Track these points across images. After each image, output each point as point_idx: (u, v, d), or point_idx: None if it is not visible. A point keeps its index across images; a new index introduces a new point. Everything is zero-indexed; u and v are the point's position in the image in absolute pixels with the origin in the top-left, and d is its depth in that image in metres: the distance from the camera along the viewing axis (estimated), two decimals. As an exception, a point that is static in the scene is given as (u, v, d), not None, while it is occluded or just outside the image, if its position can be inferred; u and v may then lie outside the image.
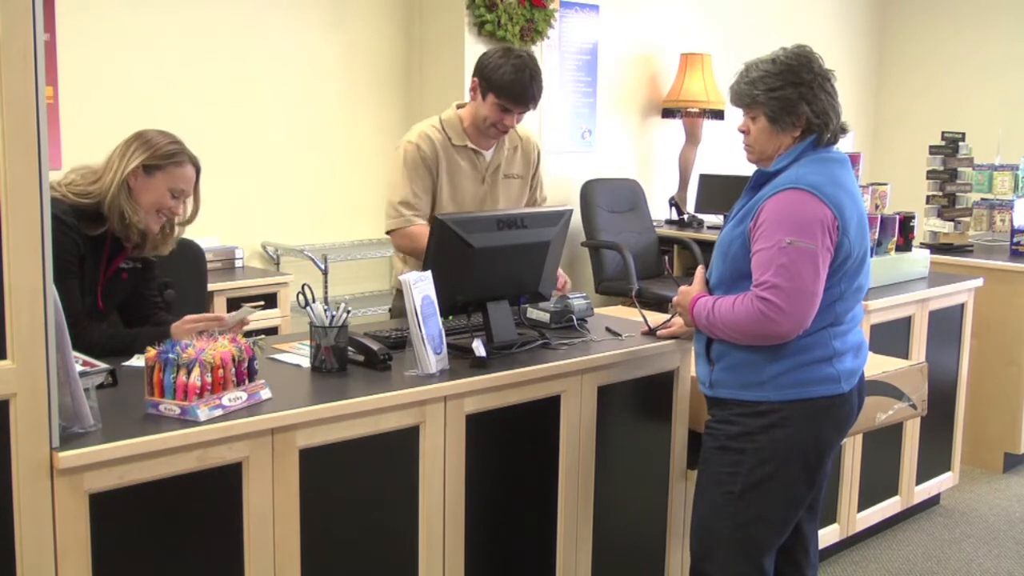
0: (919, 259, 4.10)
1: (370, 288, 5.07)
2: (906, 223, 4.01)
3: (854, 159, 3.83)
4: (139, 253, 2.66)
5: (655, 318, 2.90)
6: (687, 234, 5.77)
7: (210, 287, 3.72)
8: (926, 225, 4.98)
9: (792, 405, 2.36)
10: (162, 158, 2.54)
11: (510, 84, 2.99)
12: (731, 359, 2.40)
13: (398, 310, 3.26)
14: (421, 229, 3.05)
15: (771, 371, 2.35)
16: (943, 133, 5.03)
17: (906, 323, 3.82)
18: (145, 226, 2.55)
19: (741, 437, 2.39)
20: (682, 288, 2.52)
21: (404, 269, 3.18)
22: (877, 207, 3.93)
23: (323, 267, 4.51)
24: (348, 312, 2.41)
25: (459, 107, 3.19)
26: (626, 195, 5.79)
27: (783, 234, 2.25)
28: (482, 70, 3.05)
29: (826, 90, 2.37)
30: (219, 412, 2.04)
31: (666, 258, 5.83)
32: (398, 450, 2.32)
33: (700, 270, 2.52)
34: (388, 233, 3.16)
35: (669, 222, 6.07)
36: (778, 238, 2.25)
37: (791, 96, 2.34)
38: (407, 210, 3.07)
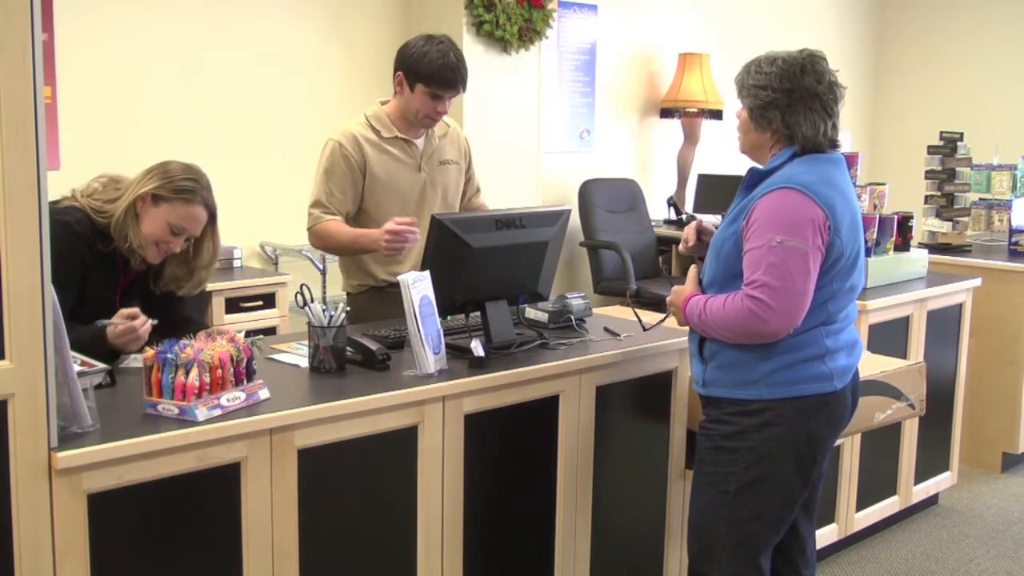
0: (917, 259, 4.10)
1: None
2: (904, 223, 4.01)
3: (852, 159, 3.84)
4: (158, 287, 2.64)
5: (651, 318, 2.90)
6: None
7: (208, 287, 3.70)
8: (924, 225, 4.98)
9: (784, 403, 2.36)
10: (172, 191, 2.49)
11: (439, 70, 2.98)
12: (723, 358, 2.41)
13: (353, 316, 3.09)
14: (330, 225, 3.06)
15: (763, 369, 2.35)
16: (941, 133, 5.03)
17: (904, 323, 3.82)
18: (144, 254, 2.51)
19: (735, 436, 2.39)
20: (675, 288, 2.52)
21: (346, 279, 3.20)
22: (875, 207, 3.93)
23: (321, 267, 4.51)
24: (346, 312, 2.41)
25: (383, 103, 3.18)
26: (624, 195, 5.80)
27: (774, 233, 2.25)
28: (405, 61, 3.04)
29: (809, 106, 2.34)
30: (217, 412, 2.04)
31: (660, 258, 5.83)
32: (396, 450, 2.32)
33: (693, 269, 2.53)
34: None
35: (667, 222, 6.07)
36: (768, 237, 2.26)
37: (767, 98, 2.35)
38: (316, 209, 3.08)
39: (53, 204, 2.53)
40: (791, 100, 2.34)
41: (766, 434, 2.36)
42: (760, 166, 2.44)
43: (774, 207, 2.28)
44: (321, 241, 3.12)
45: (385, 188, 3.10)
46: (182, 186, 2.50)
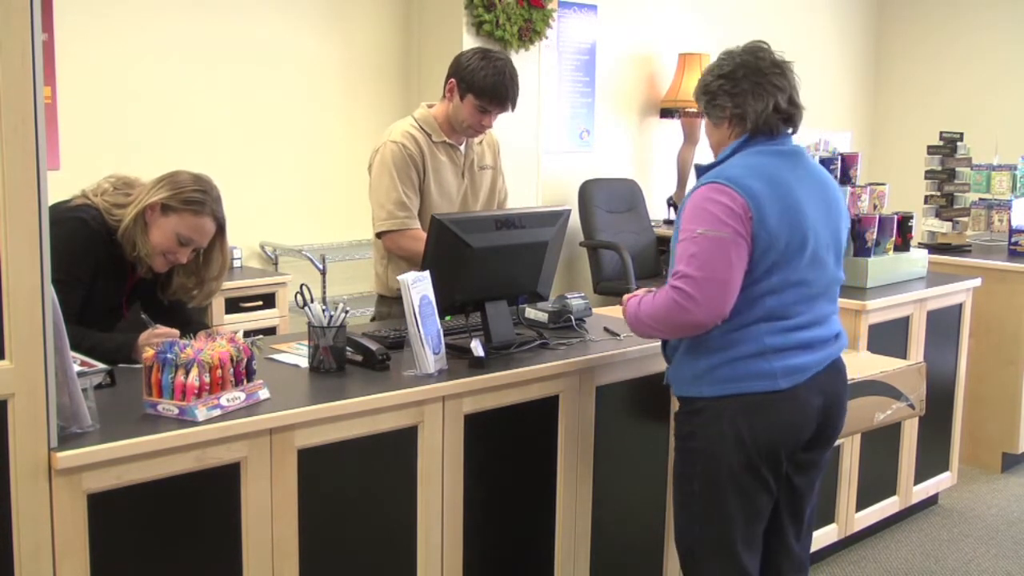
0: (917, 259, 4.10)
1: (368, 288, 5.05)
2: (904, 223, 4.01)
3: (852, 159, 3.84)
4: (167, 297, 2.65)
5: None
6: (685, 234, 5.76)
7: (208, 287, 3.72)
8: (924, 225, 4.98)
9: (726, 400, 2.32)
10: (181, 202, 2.49)
11: (492, 86, 3.00)
12: (677, 356, 2.43)
13: (380, 315, 3.27)
14: (422, 234, 3.02)
15: (702, 365, 2.34)
16: (941, 133, 5.03)
17: (904, 323, 3.82)
18: (151, 263, 2.51)
19: (689, 437, 2.39)
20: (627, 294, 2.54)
21: (385, 275, 3.18)
22: (875, 207, 3.93)
23: (321, 267, 4.51)
24: (346, 312, 2.41)
25: (429, 107, 3.20)
26: (624, 195, 5.80)
27: (695, 225, 2.27)
28: (460, 72, 3.05)
29: (755, 81, 2.35)
30: (217, 412, 2.04)
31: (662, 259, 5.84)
32: (396, 450, 2.32)
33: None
34: (381, 235, 3.10)
35: (667, 222, 6.07)
36: (691, 229, 2.27)
37: (715, 87, 2.39)
38: (401, 211, 3.05)
39: (65, 203, 2.54)
40: (735, 81, 2.36)
41: (710, 431, 2.34)
42: None
43: (696, 201, 2.31)
44: (414, 243, 2.99)
45: (435, 191, 3.12)
46: (191, 197, 2.50)
